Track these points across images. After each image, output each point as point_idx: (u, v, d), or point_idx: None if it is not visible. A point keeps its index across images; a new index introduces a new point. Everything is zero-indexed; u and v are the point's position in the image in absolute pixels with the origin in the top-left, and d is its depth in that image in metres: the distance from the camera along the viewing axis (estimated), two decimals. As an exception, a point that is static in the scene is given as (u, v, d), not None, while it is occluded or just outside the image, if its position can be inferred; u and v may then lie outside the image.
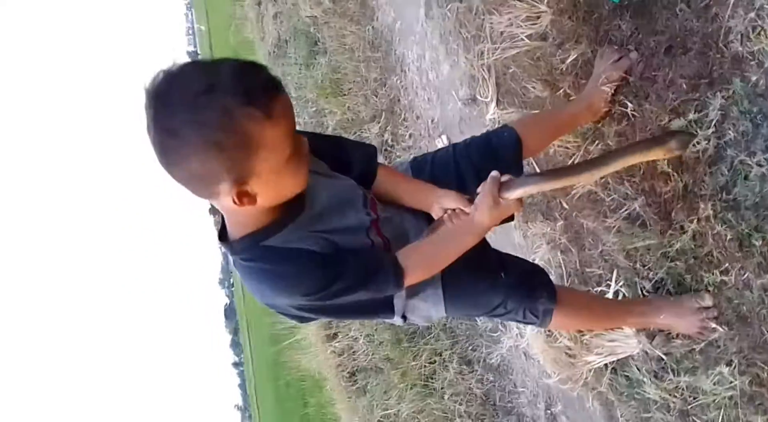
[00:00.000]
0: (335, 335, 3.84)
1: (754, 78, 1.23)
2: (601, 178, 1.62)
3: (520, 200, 1.19)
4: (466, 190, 1.28)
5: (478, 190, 1.20)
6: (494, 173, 1.20)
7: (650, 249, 1.54)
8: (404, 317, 1.32)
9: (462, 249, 1.20)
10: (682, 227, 1.43)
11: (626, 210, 1.59)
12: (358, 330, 3.56)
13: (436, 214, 1.26)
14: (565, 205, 1.88)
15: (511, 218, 1.49)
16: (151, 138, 0.93)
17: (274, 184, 1.00)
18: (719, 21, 1.28)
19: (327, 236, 1.11)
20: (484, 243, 1.38)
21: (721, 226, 1.32)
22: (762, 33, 1.21)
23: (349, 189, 1.22)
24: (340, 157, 1.25)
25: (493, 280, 1.34)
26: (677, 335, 1.50)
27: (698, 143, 1.33)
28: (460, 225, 1.20)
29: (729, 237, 1.31)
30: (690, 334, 1.45)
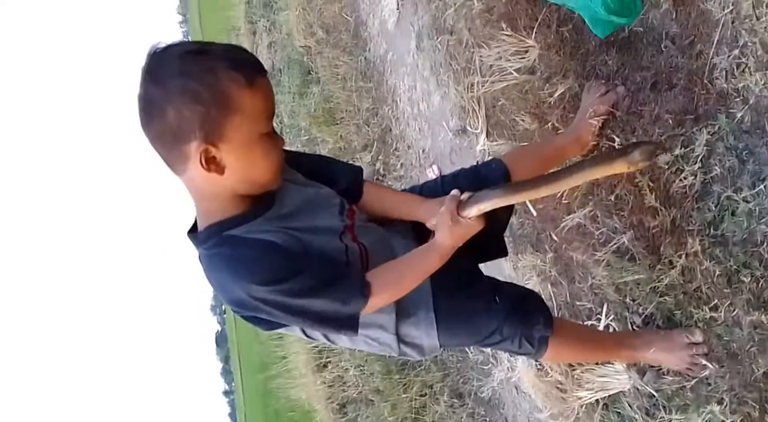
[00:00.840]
0: (326, 365, 3.79)
1: (739, 114, 1.24)
2: (565, 190, 1.61)
3: (481, 217, 1.17)
4: None
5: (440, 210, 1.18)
6: (454, 191, 1.19)
7: (640, 283, 1.53)
8: (399, 341, 1.27)
9: (428, 270, 1.18)
10: (671, 262, 1.42)
11: (615, 243, 1.58)
12: (349, 361, 3.52)
13: (430, 225, 1.24)
14: (554, 237, 1.87)
15: (504, 253, 1.49)
16: (138, 93, 1.00)
17: (244, 158, 1.01)
18: (704, 58, 1.29)
19: (295, 233, 1.09)
20: (476, 270, 1.36)
21: (710, 262, 1.31)
22: (746, 70, 1.22)
23: (324, 195, 1.20)
24: (324, 173, 1.25)
25: (488, 304, 1.30)
26: (668, 371, 1.48)
27: (685, 178, 1.34)
28: (423, 247, 1.19)
29: (717, 273, 1.30)
30: (680, 370, 1.44)
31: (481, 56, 2.02)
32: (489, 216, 1.18)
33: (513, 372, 2.17)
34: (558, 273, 1.88)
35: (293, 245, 1.07)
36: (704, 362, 1.37)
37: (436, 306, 1.26)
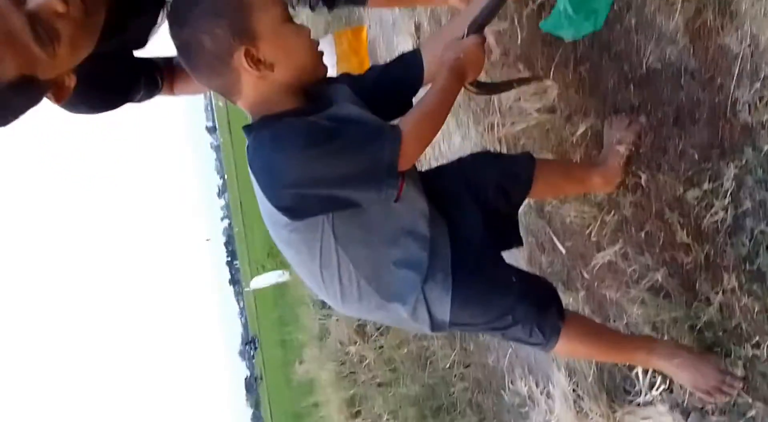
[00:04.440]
0: (359, 412, 3.74)
1: (766, 147, 1.22)
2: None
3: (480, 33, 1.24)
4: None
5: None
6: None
7: (677, 321, 1.49)
8: (422, 289, 1.25)
9: (448, 93, 1.20)
10: (707, 299, 1.39)
11: (649, 281, 1.55)
12: (382, 407, 3.47)
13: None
14: (585, 274, 1.84)
15: (519, 242, 1.49)
16: (177, 48, 1.15)
17: (282, 45, 1.12)
18: (725, 91, 1.28)
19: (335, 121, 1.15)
20: (497, 252, 1.36)
21: (748, 298, 1.28)
22: (769, 102, 1.21)
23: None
24: None
25: (505, 280, 1.29)
26: (712, 412, 1.43)
27: (716, 213, 1.31)
28: (437, 78, 1.21)
29: (757, 309, 1.27)
30: (705, 390, 1.35)
31: (499, 97, 2.03)
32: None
33: (551, 415, 2.11)
34: (591, 311, 1.84)
35: (330, 124, 1.13)
36: (735, 392, 1.31)
37: (455, 274, 1.24)
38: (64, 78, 1.08)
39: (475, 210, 1.35)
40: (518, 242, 1.50)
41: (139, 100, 1.51)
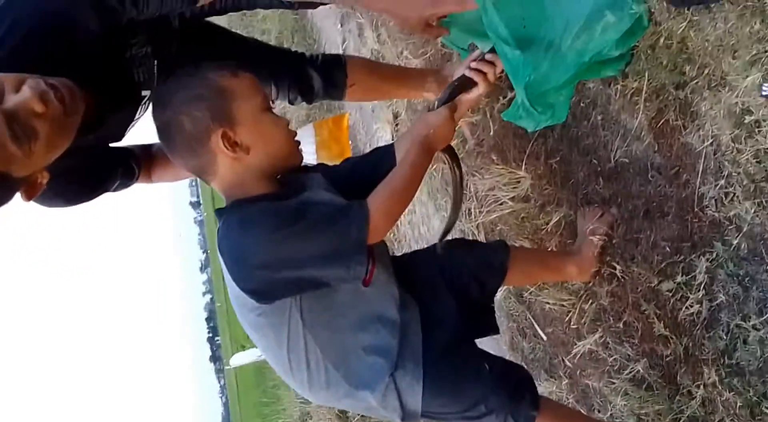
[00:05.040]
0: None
1: (735, 241, 1.24)
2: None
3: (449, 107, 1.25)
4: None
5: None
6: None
7: (661, 414, 1.47)
8: (392, 378, 1.22)
9: (417, 167, 1.19)
10: (689, 392, 1.37)
11: (630, 371, 1.54)
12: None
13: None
14: (567, 362, 1.83)
15: (495, 330, 1.48)
16: (157, 129, 1.19)
17: (259, 132, 1.16)
18: (691, 187, 1.32)
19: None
20: (469, 339, 1.34)
21: (729, 392, 1.27)
22: (735, 198, 1.24)
23: None
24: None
25: (477, 369, 1.26)
26: None
27: (691, 306, 1.32)
28: (405, 151, 1.22)
29: (739, 404, 1.25)
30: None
31: (475, 184, 2.07)
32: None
33: None
34: (575, 400, 1.81)
35: (299, 206, 1.14)
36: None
37: (425, 362, 1.22)
38: (37, 175, 1.07)
39: (449, 297, 1.35)
40: (494, 330, 1.49)
41: (115, 190, 1.52)
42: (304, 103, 1.84)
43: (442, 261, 1.41)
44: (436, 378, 1.22)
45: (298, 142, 1.24)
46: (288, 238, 1.10)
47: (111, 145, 1.45)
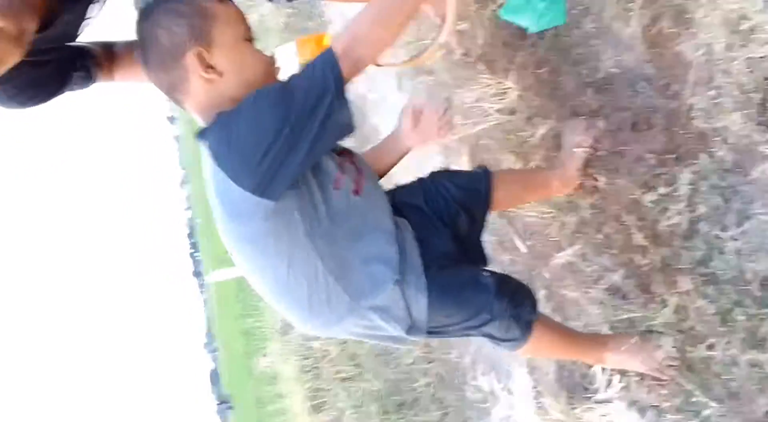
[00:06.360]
0: (321, 407, 3.74)
1: (720, 153, 1.24)
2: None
3: None
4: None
5: None
6: None
7: (634, 322, 1.52)
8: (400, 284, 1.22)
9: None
10: (663, 300, 1.41)
11: (607, 282, 1.58)
12: (346, 402, 3.46)
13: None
14: (546, 274, 1.86)
15: (484, 262, 1.48)
16: (136, 40, 1.16)
17: (235, 59, 1.14)
18: (681, 98, 1.30)
19: None
20: (463, 256, 1.35)
21: (703, 300, 1.31)
22: (723, 110, 1.23)
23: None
24: None
25: (477, 277, 1.28)
26: (667, 410, 1.47)
27: (671, 217, 1.34)
28: None
29: (711, 311, 1.30)
30: (656, 367, 1.44)
31: (461, 96, 2.03)
32: None
33: (512, 411, 2.14)
34: (552, 310, 1.86)
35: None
36: (672, 372, 1.39)
37: (427, 276, 1.23)
38: None
39: (440, 224, 1.36)
40: (483, 262, 1.49)
41: (72, 90, 1.49)
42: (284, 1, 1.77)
43: (428, 193, 1.41)
44: (438, 290, 1.23)
45: (278, 71, 1.20)
46: (272, 106, 1.06)
47: (66, 44, 1.41)
